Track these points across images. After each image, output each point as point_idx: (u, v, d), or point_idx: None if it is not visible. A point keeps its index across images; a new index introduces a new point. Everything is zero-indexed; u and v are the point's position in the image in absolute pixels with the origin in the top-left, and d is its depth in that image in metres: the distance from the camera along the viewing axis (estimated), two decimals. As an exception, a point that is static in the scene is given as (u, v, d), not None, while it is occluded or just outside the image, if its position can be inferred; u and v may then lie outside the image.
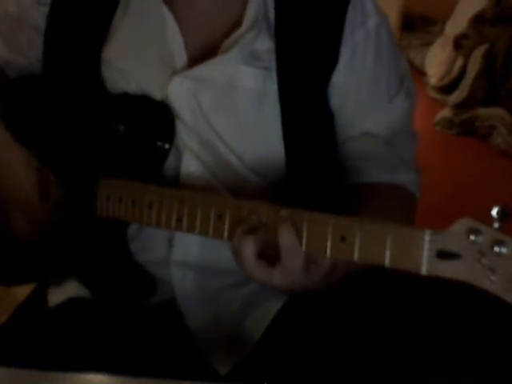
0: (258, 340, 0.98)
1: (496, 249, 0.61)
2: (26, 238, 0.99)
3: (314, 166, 0.99)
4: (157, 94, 0.96)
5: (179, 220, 0.86)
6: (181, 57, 0.96)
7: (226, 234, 0.81)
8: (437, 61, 3.29)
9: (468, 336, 0.84)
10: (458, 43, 3.18)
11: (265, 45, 0.94)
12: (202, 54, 0.96)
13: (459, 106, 3.04)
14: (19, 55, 1.06)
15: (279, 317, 0.99)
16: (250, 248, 0.77)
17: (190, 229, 0.85)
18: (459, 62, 3.15)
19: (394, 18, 3.17)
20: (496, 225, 0.62)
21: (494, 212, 0.62)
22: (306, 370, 0.90)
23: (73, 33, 1.00)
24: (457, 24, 3.26)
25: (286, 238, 0.75)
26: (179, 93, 0.95)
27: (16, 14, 1.04)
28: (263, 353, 0.96)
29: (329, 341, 0.91)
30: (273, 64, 0.94)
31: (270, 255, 0.77)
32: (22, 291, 1.12)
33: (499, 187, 2.48)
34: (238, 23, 0.95)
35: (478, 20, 3.15)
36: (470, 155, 2.85)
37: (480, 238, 0.62)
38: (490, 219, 0.62)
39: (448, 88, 3.17)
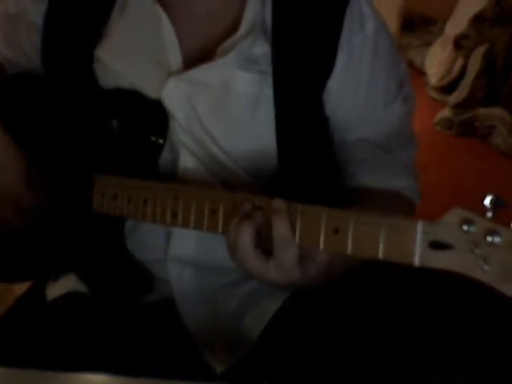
0: (256, 339, 0.97)
1: (489, 239, 0.61)
2: (13, 225, 1.00)
3: (308, 169, 0.98)
4: (151, 95, 0.95)
5: (174, 215, 0.86)
6: (175, 59, 0.96)
7: (220, 227, 0.81)
8: (437, 61, 3.29)
9: (464, 336, 0.83)
10: (458, 43, 3.18)
11: (261, 49, 0.94)
12: (197, 56, 0.95)
13: (459, 106, 3.04)
14: (20, 53, 1.07)
15: (278, 316, 0.98)
16: (246, 234, 0.76)
17: (185, 224, 0.85)
18: (459, 62, 3.15)
19: (394, 18, 3.16)
20: (489, 214, 0.62)
21: (487, 201, 0.61)
22: (303, 369, 0.89)
23: (69, 30, 1.01)
24: (457, 24, 3.26)
25: (279, 226, 0.75)
26: (173, 95, 0.94)
27: (15, 12, 1.05)
28: (261, 352, 0.95)
29: (326, 341, 0.90)
30: (269, 68, 0.93)
31: (264, 248, 0.77)
32: (22, 288, 1.12)
33: (499, 187, 2.47)
34: (234, 27, 0.94)
35: (478, 20, 3.14)
36: (470, 155, 2.85)
37: (473, 228, 0.62)
38: (483, 209, 0.62)
39: (448, 88, 3.16)
